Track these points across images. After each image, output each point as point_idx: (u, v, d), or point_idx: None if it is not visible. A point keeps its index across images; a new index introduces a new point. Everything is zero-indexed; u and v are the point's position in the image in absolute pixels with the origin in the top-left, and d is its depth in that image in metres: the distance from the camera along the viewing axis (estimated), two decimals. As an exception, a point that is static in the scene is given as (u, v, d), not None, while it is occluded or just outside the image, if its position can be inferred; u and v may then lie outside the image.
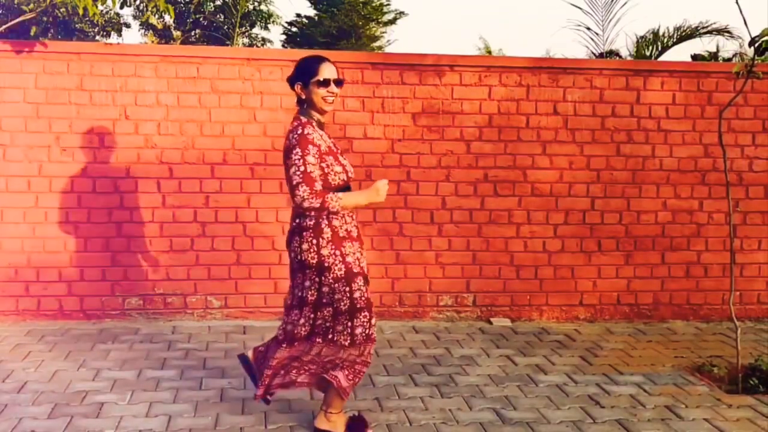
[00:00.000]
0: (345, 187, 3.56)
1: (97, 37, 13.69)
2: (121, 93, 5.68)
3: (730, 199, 4.82)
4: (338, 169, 3.53)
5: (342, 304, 3.49)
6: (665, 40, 10.04)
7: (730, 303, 4.69)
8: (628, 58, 10.70)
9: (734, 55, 12.70)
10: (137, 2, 13.89)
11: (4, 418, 3.85)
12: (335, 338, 3.52)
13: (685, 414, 4.15)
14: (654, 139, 6.17)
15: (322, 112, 3.59)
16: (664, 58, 10.16)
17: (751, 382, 4.52)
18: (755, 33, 4.49)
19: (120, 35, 14.44)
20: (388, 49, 21.95)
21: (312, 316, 3.52)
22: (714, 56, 13.04)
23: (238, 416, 3.96)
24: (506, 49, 24.18)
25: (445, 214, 6.02)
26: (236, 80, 5.80)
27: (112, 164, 5.69)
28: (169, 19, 15.87)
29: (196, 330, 5.57)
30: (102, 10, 11.97)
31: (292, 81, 3.60)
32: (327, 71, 3.53)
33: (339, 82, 3.58)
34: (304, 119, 3.54)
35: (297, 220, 3.53)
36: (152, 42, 16.80)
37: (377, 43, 22.47)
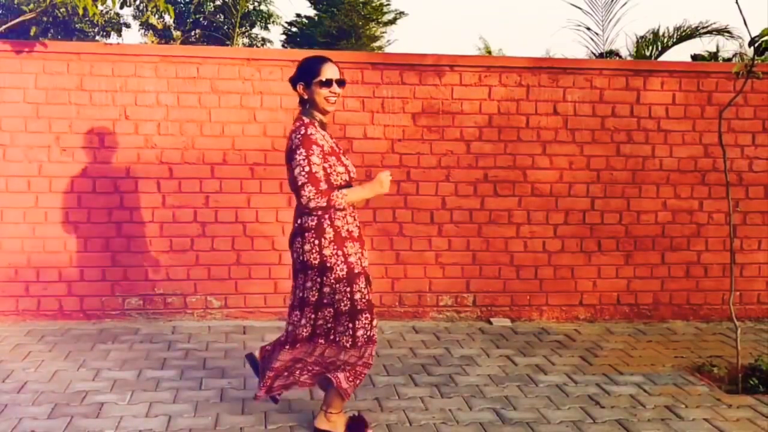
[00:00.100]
0: (347, 188, 3.56)
1: (97, 37, 13.71)
2: (121, 93, 5.68)
3: (730, 199, 4.82)
4: (341, 169, 3.53)
5: (342, 304, 3.49)
6: (665, 40, 10.03)
7: (730, 303, 4.69)
8: (628, 58, 10.69)
9: (734, 55, 12.68)
10: (137, 2, 13.90)
11: (4, 418, 3.85)
12: (337, 339, 3.52)
13: (685, 414, 4.15)
14: (654, 139, 6.17)
15: (324, 112, 3.59)
16: (664, 58, 10.15)
17: (751, 382, 4.52)
18: (755, 33, 4.49)
19: (120, 35, 14.47)
20: (388, 49, 21.97)
21: (313, 316, 3.53)
22: (714, 56, 13.02)
23: (238, 416, 3.96)
24: (506, 49, 24.20)
25: (445, 214, 6.02)
26: (236, 80, 5.80)
27: (112, 164, 5.69)
28: (169, 19, 15.90)
29: (196, 330, 5.57)
30: (102, 10, 11.97)
31: (294, 81, 3.60)
32: (329, 71, 3.53)
33: (341, 83, 3.58)
34: (306, 120, 3.54)
35: (299, 221, 3.53)
36: (152, 42, 16.81)
37: (377, 43, 22.47)
